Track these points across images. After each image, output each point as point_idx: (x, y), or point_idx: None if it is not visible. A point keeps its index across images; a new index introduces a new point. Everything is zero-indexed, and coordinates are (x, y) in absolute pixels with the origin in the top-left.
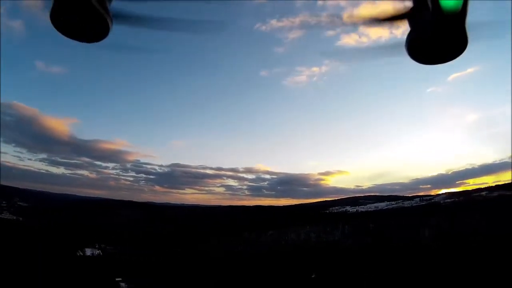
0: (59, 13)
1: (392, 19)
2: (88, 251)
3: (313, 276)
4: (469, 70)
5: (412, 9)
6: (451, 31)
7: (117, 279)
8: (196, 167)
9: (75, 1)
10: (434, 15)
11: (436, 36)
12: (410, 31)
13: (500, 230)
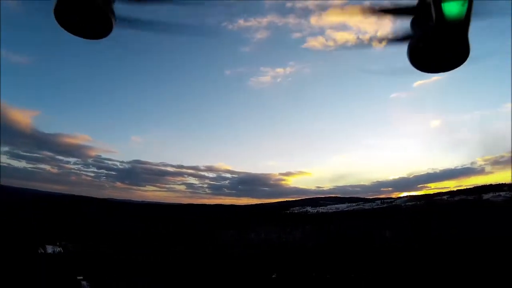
0: (63, 9)
1: (400, 9)
2: (49, 249)
3: (273, 276)
4: (434, 78)
5: (413, 18)
6: (454, 39)
7: (78, 277)
8: (157, 164)
9: None
10: (437, 23)
11: (438, 44)
12: (412, 38)
13: (461, 234)
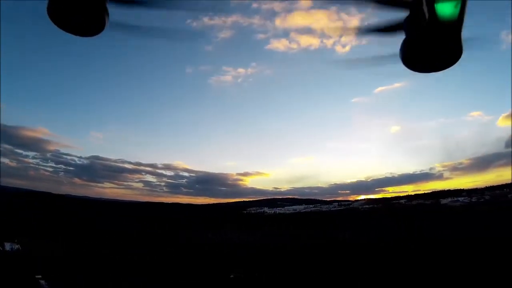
0: (56, 6)
1: (388, 28)
2: (7, 246)
3: (231, 276)
4: (396, 85)
5: (407, 17)
6: (447, 39)
7: (36, 276)
8: (115, 161)
9: None
10: (430, 23)
11: (431, 44)
12: (405, 38)
13: (417, 238)
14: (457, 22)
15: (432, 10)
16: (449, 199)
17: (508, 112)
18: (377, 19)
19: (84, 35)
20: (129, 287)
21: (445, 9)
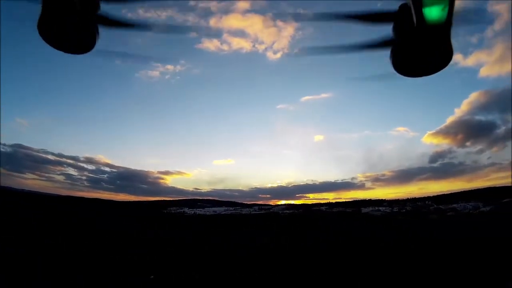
0: (46, 23)
1: (377, 44)
2: None
3: (151, 277)
4: (323, 95)
5: (394, 25)
6: (436, 43)
7: None
8: (38, 151)
9: (62, 11)
10: (418, 27)
11: (420, 49)
12: (394, 43)
13: (336, 244)
14: (445, 25)
15: (420, 15)
16: (370, 208)
17: (434, 130)
18: (365, 36)
19: (74, 52)
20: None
21: (432, 13)
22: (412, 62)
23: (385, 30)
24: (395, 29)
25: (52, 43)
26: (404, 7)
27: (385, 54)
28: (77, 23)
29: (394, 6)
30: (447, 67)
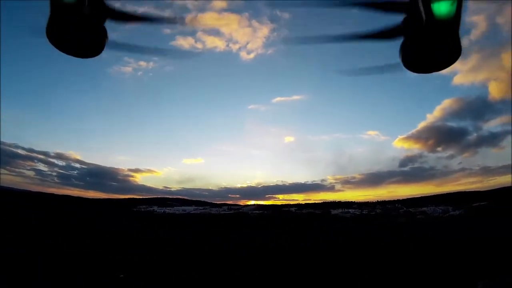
0: (54, 28)
1: (387, 33)
2: None
3: (121, 276)
4: (295, 97)
5: (405, 18)
6: (445, 39)
7: None
8: (9, 145)
9: (71, 16)
10: (427, 23)
11: (430, 44)
12: (404, 40)
13: (306, 245)
14: (454, 21)
15: (429, 10)
16: (340, 210)
17: (405, 135)
18: (373, 25)
19: (84, 57)
20: None
21: (441, 8)
22: (422, 58)
23: (389, 21)
24: (406, 22)
25: (61, 48)
26: (412, 4)
27: (364, 47)
28: (86, 27)
29: None
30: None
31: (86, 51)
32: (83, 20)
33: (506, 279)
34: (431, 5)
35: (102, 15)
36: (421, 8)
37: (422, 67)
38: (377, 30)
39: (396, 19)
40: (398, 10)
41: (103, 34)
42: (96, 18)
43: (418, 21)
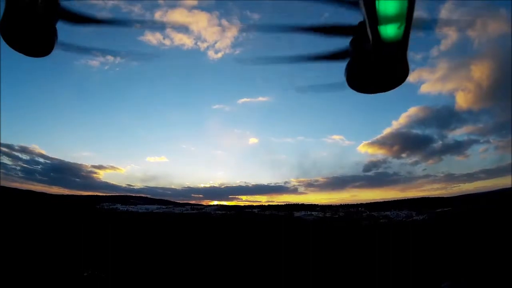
0: (7, 25)
1: (335, 55)
2: None
3: (85, 274)
4: (260, 98)
5: (352, 40)
6: (391, 61)
7: None
8: None
9: (23, 15)
10: (374, 45)
11: (375, 66)
12: (349, 61)
13: (268, 248)
14: (401, 43)
15: (376, 33)
16: (303, 213)
17: (370, 140)
18: (324, 46)
19: (34, 56)
20: None
21: (388, 31)
22: (366, 78)
23: (340, 43)
24: (352, 43)
25: (14, 45)
26: (362, 24)
27: (333, 65)
28: (39, 26)
29: (354, 21)
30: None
31: (36, 50)
32: (35, 19)
33: (468, 281)
34: (378, 27)
35: (55, 16)
36: (368, 31)
37: (366, 88)
38: (327, 52)
39: (346, 42)
40: (347, 33)
41: (54, 34)
42: (49, 18)
43: (365, 43)
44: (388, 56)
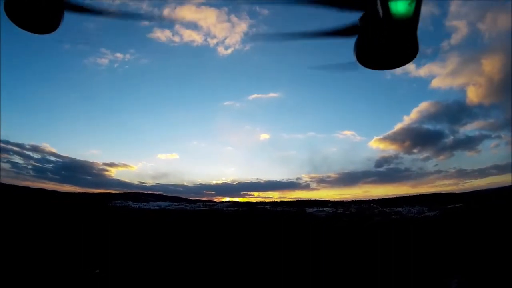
0: (12, 3)
1: (344, 30)
2: None
3: (97, 271)
4: (271, 94)
5: (362, 15)
6: (401, 37)
7: None
8: None
9: None
10: (384, 21)
11: (385, 42)
12: (359, 37)
13: (282, 243)
14: (412, 20)
15: (386, 8)
16: (315, 209)
17: (381, 136)
18: (332, 22)
19: (40, 33)
20: None
21: (399, 7)
22: (376, 55)
23: (349, 18)
24: (363, 19)
25: (18, 22)
26: (370, 1)
27: (343, 44)
28: (44, 3)
29: None
30: (407, 64)
31: (42, 27)
32: None
33: (478, 278)
34: (389, 3)
35: None
36: (379, 6)
37: (376, 64)
38: (336, 27)
39: (355, 16)
40: (356, 8)
41: (60, 10)
42: None
43: (375, 18)
44: (399, 32)
